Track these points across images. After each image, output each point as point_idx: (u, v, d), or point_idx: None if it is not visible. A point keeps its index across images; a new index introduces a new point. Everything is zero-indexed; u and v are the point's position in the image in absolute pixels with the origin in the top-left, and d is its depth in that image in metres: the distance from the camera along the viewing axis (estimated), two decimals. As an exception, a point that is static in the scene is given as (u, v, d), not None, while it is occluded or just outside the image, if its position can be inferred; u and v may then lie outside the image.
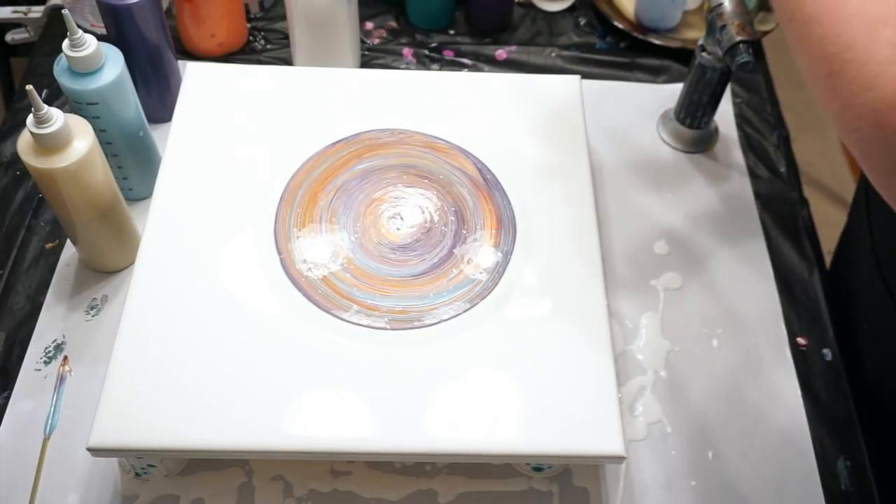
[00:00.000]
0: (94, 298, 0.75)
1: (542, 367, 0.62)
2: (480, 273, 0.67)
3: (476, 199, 0.71)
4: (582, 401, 0.61)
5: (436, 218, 0.70)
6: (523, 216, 0.70)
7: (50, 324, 0.73)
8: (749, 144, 0.90)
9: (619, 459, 0.59)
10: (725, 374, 0.74)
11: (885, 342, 0.73)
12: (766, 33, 0.96)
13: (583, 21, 1.01)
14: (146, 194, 0.77)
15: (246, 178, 0.71)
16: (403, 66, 0.95)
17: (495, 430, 0.59)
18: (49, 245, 0.78)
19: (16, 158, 0.84)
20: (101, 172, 0.67)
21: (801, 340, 0.76)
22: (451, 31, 0.99)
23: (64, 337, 0.72)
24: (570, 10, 1.02)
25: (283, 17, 0.96)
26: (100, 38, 0.70)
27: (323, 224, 0.69)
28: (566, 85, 0.79)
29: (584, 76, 0.89)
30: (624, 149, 0.88)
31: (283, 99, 0.77)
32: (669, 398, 0.72)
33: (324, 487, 0.66)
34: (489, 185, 0.72)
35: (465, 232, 0.69)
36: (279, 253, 0.67)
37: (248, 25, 0.96)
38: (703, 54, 0.81)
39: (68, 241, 0.78)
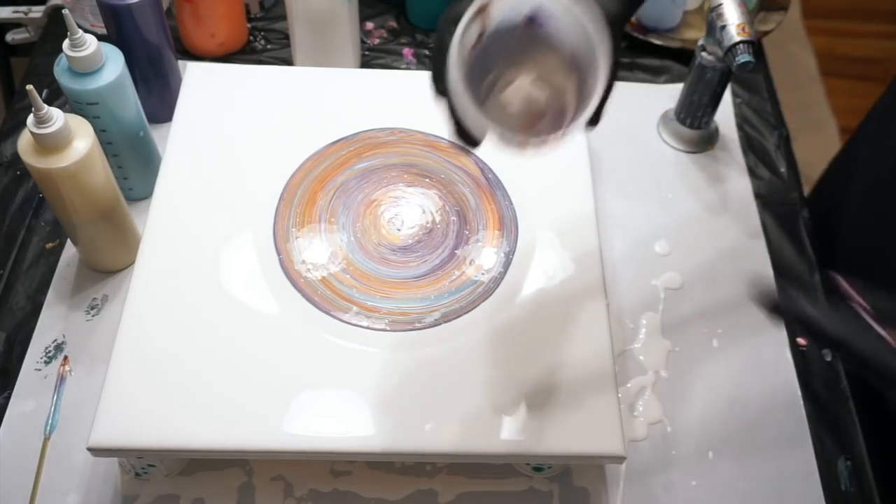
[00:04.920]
0: (94, 298, 0.75)
1: (542, 367, 0.62)
2: (482, 274, 0.67)
3: (478, 198, 0.71)
4: (582, 401, 0.61)
5: (437, 218, 0.70)
6: (524, 216, 0.70)
7: (50, 324, 0.73)
8: (749, 144, 0.90)
9: (619, 459, 0.59)
10: (725, 374, 0.74)
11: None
12: (766, 33, 0.96)
13: (583, 21, 1.00)
14: (146, 194, 0.77)
15: (245, 177, 0.71)
16: (403, 66, 0.95)
17: (495, 430, 0.59)
18: (49, 245, 0.78)
19: (16, 158, 0.84)
20: (102, 172, 0.67)
21: (801, 340, 0.76)
22: (452, 31, 0.98)
23: (64, 337, 0.72)
24: (571, 10, 1.01)
25: (284, 17, 0.96)
26: (100, 38, 0.70)
27: (322, 224, 0.69)
28: (566, 85, 0.79)
29: (585, 76, 0.89)
30: (624, 149, 0.88)
31: (283, 99, 0.76)
32: (669, 398, 0.72)
33: (324, 487, 0.66)
34: (491, 184, 0.72)
35: (467, 233, 0.69)
36: (278, 253, 0.67)
37: (249, 25, 0.96)
38: (703, 54, 0.81)
39: (68, 240, 0.77)
